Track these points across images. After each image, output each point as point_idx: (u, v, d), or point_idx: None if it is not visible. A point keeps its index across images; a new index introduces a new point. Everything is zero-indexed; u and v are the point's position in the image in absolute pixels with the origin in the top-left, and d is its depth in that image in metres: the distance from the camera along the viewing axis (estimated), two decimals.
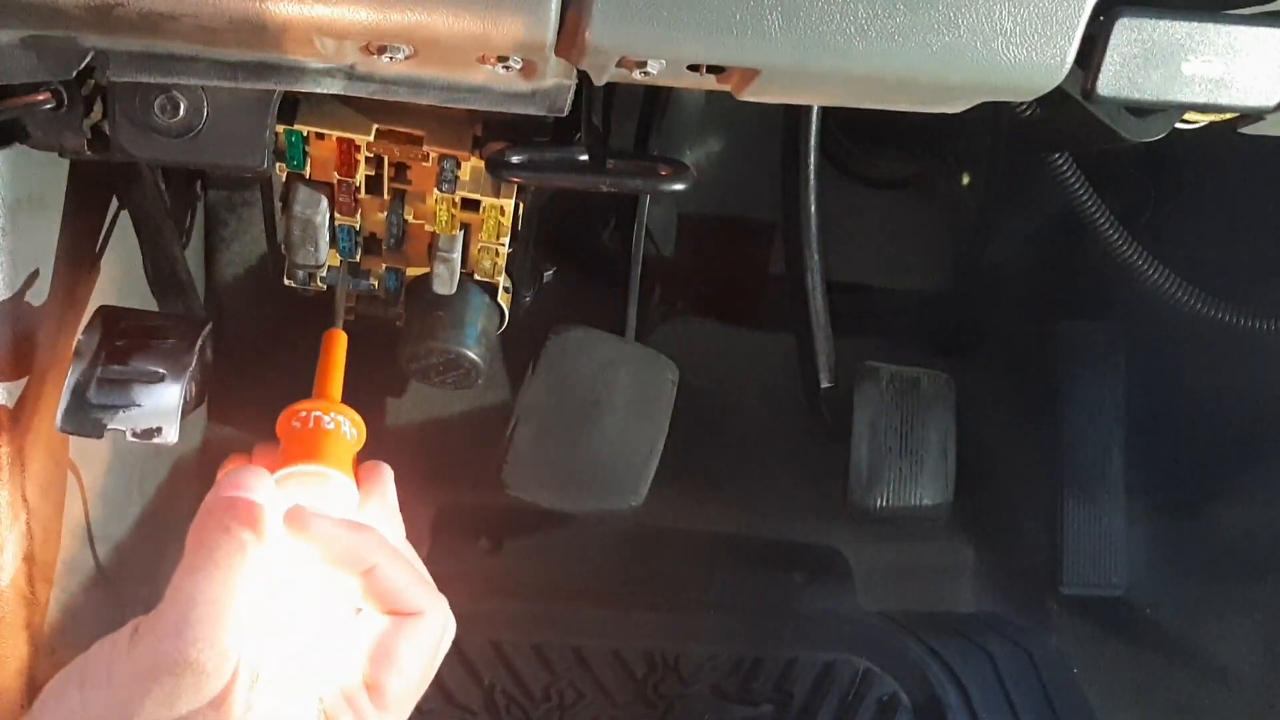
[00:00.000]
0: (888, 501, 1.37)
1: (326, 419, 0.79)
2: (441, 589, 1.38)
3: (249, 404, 1.48)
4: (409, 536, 1.31)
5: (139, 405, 0.94)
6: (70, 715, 0.66)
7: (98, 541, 1.11)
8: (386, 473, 0.81)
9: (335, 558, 0.72)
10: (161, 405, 0.94)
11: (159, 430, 0.93)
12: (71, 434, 0.94)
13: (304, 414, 0.80)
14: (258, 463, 0.78)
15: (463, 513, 1.52)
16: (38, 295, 0.93)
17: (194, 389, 0.99)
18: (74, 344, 0.97)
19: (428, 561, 1.47)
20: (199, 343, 1.00)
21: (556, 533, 1.51)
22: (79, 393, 0.94)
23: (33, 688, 0.95)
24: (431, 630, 0.75)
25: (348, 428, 0.80)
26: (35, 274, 0.92)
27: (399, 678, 0.73)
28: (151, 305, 1.20)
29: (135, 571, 1.22)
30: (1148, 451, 1.53)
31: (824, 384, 1.39)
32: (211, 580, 0.67)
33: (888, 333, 1.62)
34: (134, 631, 0.67)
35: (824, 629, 1.43)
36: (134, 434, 0.93)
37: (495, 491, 1.27)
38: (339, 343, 0.88)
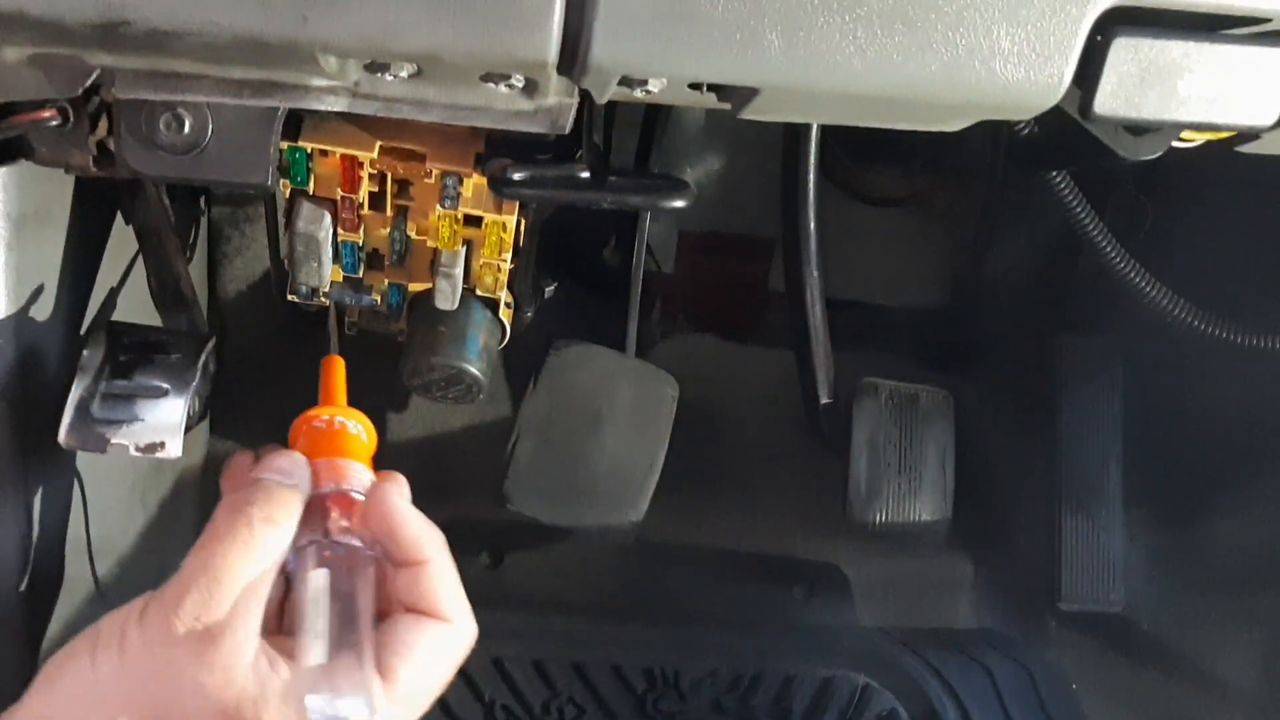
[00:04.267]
0: (887, 516, 1.37)
1: (350, 423, 0.81)
2: None
3: (252, 418, 1.50)
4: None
5: (142, 420, 0.94)
6: (81, 680, 0.68)
7: (100, 556, 1.12)
8: (403, 480, 0.82)
9: (400, 540, 0.74)
10: (165, 420, 0.95)
11: (162, 445, 0.94)
12: (75, 448, 0.94)
13: (326, 417, 0.81)
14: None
15: (463, 527, 1.50)
16: (42, 310, 0.94)
17: (197, 403, 1.00)
18: (78, 359, 0.98)
19: None
20: (202, 358, 1.00)
21: (557, 547, 1.51)
22: (83, 407, 0.94)
23: None
24: (460, 639, 0.77)
25: (364, 433, 0.82)
26: (40, 289, 0.93)
27: (415, 671, 0.73)
28: (155, 321, 1.21)
29: (138, 585, 1.21)
30: (1146, 466, 1.53)
31: (823, 399, 1.40)
32: (215, 554, 0.69)
33: (887, 348, 1.62)
34: (145, 605, 0.68)
35: (823, 644, 1.43)
36: (137, 448, 0.94)
37: (496, 506, 1.27)
38: (338, 366, 0.89)
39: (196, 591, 0.67)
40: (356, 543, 0.75)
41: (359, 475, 0.78)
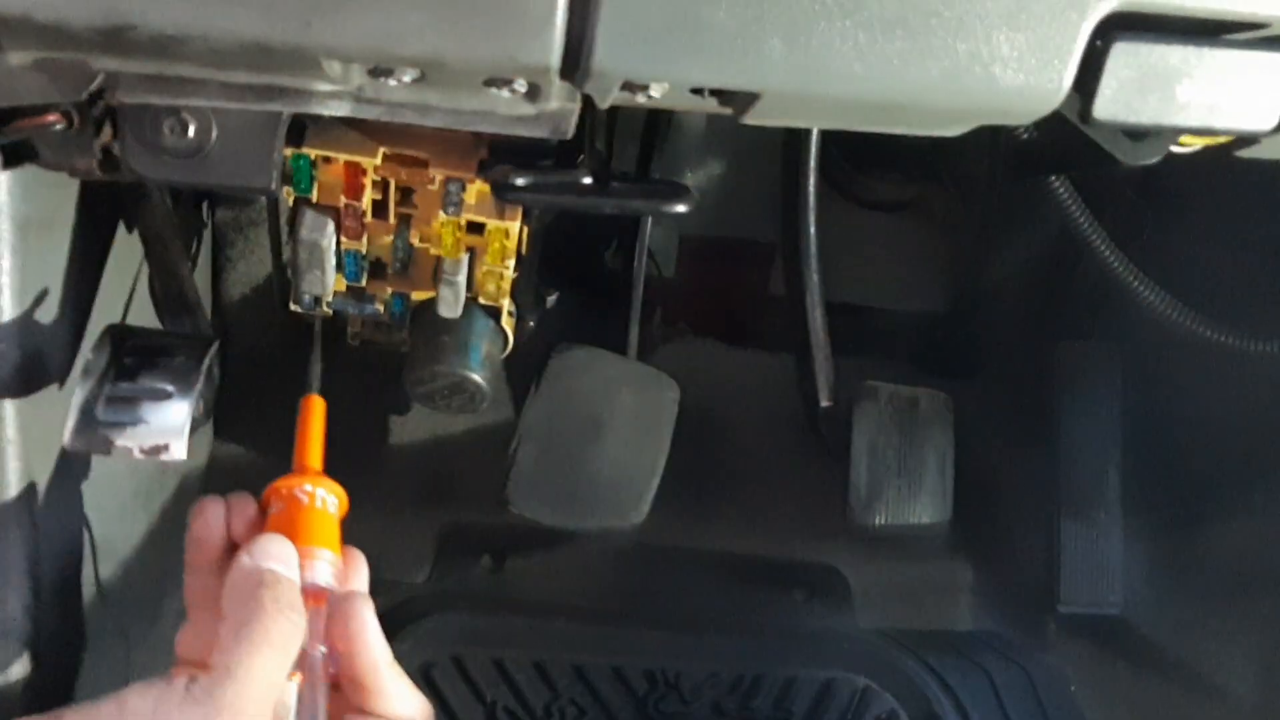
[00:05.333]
0: (887, 520, 1.37)
1: (331, 500, 0.82)
2: (445, 606, 1.40)
3: (255, 421, 1.50)
4: (413, 554, 1.33)
5: (146, 422, 0.95)
6: None
7: (104, 558, 1.12)
8: (364, 561, 0.84)
9: (358, 663, 0.77)
10: (169, 422, 0.95)
11: (166, 447, 0.94)
12: (80, 451, 0.95)
13: (309, 489, 0.82)
14: (237, 515, 0.81)
15: (466, 531, 1.52)
16: (47, 314, 0.94)
17: (201, 407, 1.00)
18: (82, 362, 0.98)
19: (431, 579, 1.48)
20: (206, 361, 1.00)
21: (558, 551, 1.51)
22: (87, 410, 0.95)
23: (37, 703, 0.96)
24: None
25: (338, 507, 0.83)
26: (44, 292, 0.93)
27: None
28: (159, 324, 1.21)
29: (141, 588, 1.22)
30: (1145, 471, 1.54)
31: (823, 403, 1.40)
32: (270, 661, 0.70)
33: (887, 353, 1.63)
34: (186, 689, 0.68)
35: (823, 647, 1.44)
36: (141, 451, 0.94)
37: (498, 510, 1.28)
38: (318, 408, 0.89)
39: (252, 694, 0.68)
40: (321, 650, 0.76)
41: (327, 567, 0.79)
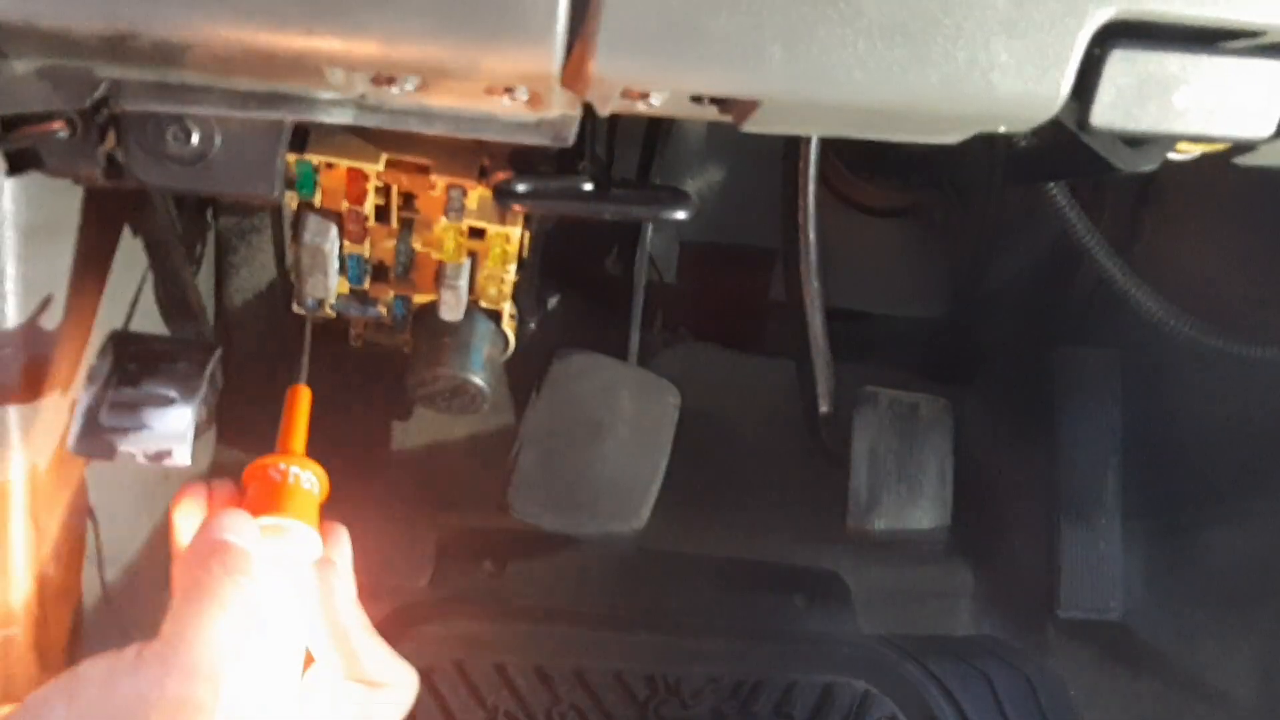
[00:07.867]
0: (887, 525, 1.38)
1: (305, 476, 0.82)
2: (446, 611, 1.40)
3: (258, 427, 1.49)
4: (415, 559, 1.32)
5: (150, 428, 0.95)
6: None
7: (107, 563, 1.12)
8: (345, 535, 0.84)
9: (333, 629, 0.76)
10: (172, 428, 0.95)
11: (170, 453, 0.95)
12: (84, 456, 0.95)
13: (283, 467, 0.82)
14: (217, 498, 0.82)
15: (467, 535, 1.52)
16: (51, 319, 0.94)
17: (204, 412, 1.00)
18: (86, 368, 0.98)
19: (432, 584, 1.48)
20: (209, 366, 1.01)
21: (559, 555, 1.51)
22: (91, 415, 0.95)
23: None
24: (405, 699, 0.79)
25: (316, 486, 0.83)
26: (49, 299, 0.93)
27: None
28: (162, 330, 1.21)
29: (144, 593, 1.22)
30: (1144, 476, 1.54)
31: (823, 409, 1.40)
32: (219, 625, 0.69)
33: (887, 358, 1.63)
34: (138, 654, 0.68)
35: (824, 652, 1.44)
36: (145, 456, 0.94)
37: (499, 514, 1.28)
38: (304, 398, 0.89)
39: (201, 656, 0.68)
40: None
41: (302, 539, 0.80)
